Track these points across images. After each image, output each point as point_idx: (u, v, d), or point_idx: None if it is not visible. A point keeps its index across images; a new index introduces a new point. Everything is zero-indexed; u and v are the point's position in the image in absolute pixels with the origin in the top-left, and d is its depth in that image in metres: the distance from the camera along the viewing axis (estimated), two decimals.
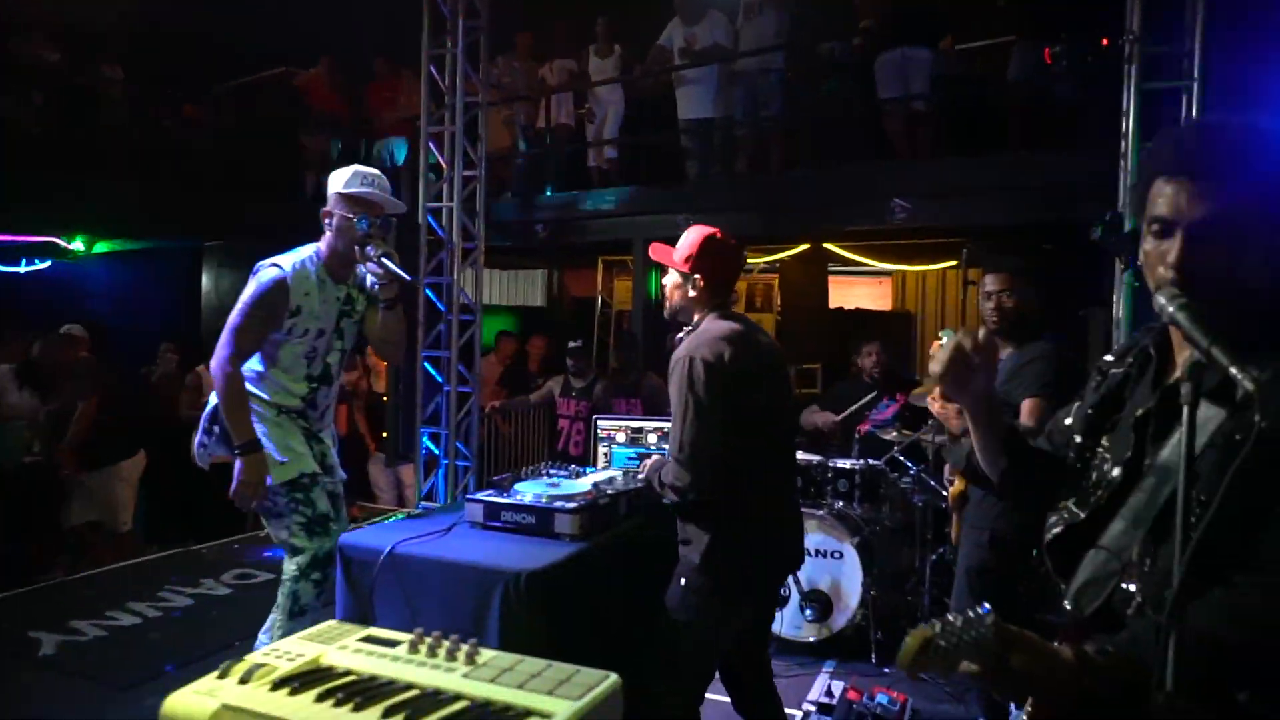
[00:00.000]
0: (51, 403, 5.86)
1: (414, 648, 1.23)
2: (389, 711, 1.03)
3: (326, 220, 2.97)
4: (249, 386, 2.94)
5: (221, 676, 1.15)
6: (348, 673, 1.14)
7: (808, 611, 4.50)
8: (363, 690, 1.09)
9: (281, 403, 2.99)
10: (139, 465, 6.01)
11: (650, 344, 6.65)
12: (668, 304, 2.79)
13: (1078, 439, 1.48)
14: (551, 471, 3.14)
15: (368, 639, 1.29)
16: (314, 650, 1.23)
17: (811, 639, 4.51)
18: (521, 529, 2.67)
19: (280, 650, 1.23)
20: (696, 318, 2.69)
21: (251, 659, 1.20)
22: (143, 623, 4.03)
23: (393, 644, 1.26)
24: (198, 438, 3.04)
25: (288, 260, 2.95)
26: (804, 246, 8.97)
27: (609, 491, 2.85)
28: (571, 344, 7.23)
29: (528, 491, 2.78)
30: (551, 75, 8.11)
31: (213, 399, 2.99)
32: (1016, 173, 5.75)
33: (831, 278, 10.38)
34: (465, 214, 6.05)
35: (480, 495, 2.78)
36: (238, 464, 2.83)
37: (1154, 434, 1.32)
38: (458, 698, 1.04)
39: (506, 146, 8.22)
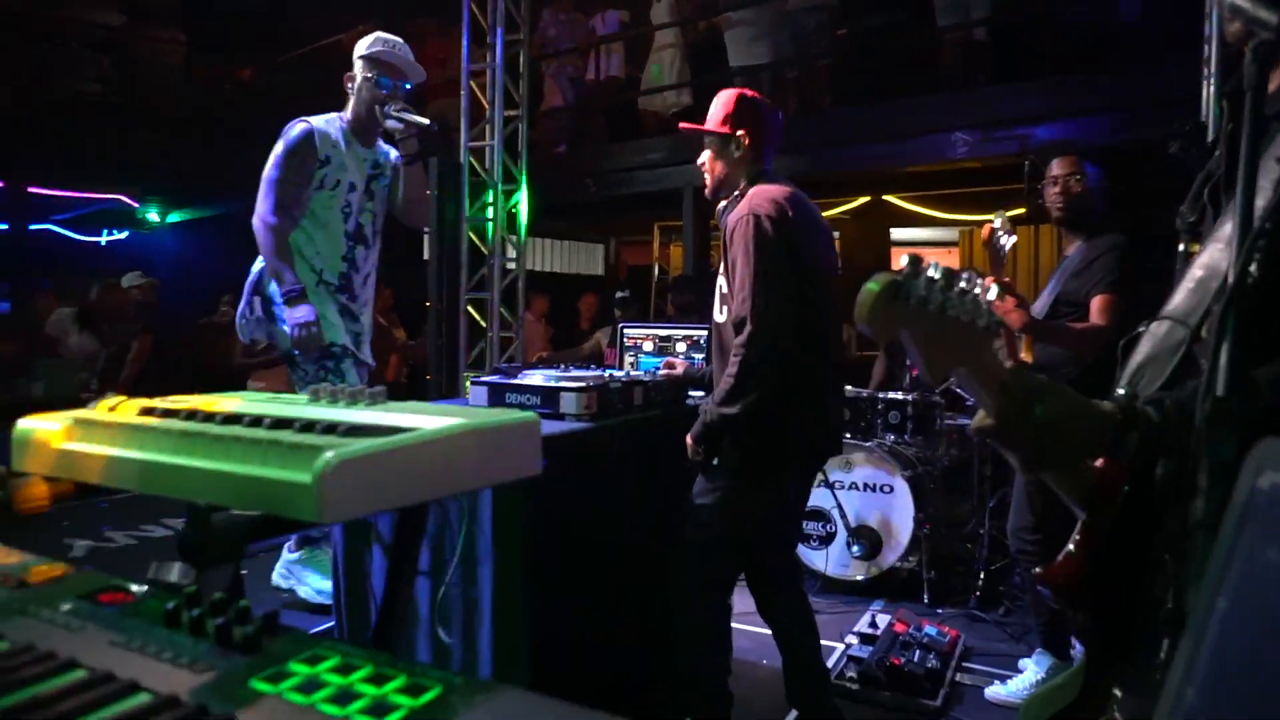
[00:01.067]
0: (109, 345, 5.98)
1: (315, 397, 1.08)
2: (249, 422, 0.88)
3: (349, 84, 3.07)
4: (294, 254, 2.97)
5: (89, 408, 1.02)
6: (237, 412, 0.99)
7: (855, 548, 4.26)
8: (232, 417, 0.94)
9: (324, 269, 3.00)
10: None
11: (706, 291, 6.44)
12: (709, 181, 2.59)
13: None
14: (569, 368, 2.99)
15: (273, 398, 1.15)
16: (207, 400, 1.09)
17: (859, 577, 4.27)
18: (527, 409, 2.52)
19: (173, 399, 1.10)
20: (742, 185, 2.48)
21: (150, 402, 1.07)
22: (173, 534, 4.03)
23: (294, 399, 1.11)
24: (240, 309, 3.06)
25: (314, 118, 3.04)
26: (863, 200, 8.63)
27: (622, 379, 2.68)
28: (619, 294, 7.09)
29: (535, 375, 2.63)
30: (603, 25, 7.95)
31: (256, 266, 3.01)
32: (1083, 95, 5.35)
33: (899, 249, 9.99)
34: (507, 154, 5.93)
35: (486, 378, 2.64)
36: (290, 313, 2.83)
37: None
38: (321, 420, 0.88)
39: (556, 103, 8.10)
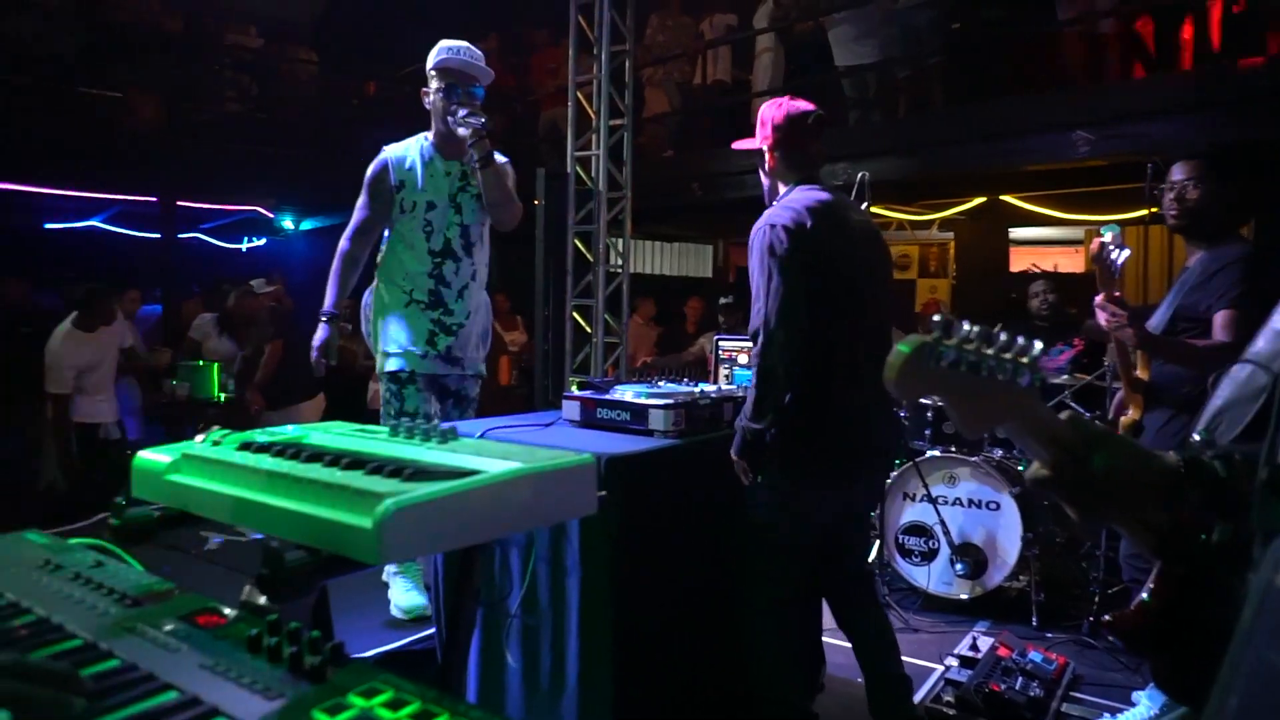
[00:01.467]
0: (245, 348, 6.42)
1: (394, 432, 1.17)
2: (328, 461, 0.97)
3: (425, 100, 3.10)
4: (386, 278, 3.14)
5: (198, 440, 1.13)
6: (322, 446, 1.09)
7: (958, 566, 4.14)
8: (316, 453, 1.03)
9: (413, 288, 3.09)
10: (318, 407, 6.46)
11: None
12: (766, 194, 2.64)
13: None
14: (662, 381, 3.04)
15: (360, 430, 1.24)
16: (302, 432, 1.19)
17: (963, 596, 4.15)
18: (617, 426, 2.59)
19: (272, 431, 1.21)
20: (781, 190, 2.51)
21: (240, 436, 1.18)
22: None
23: (377, 432, 1.20)
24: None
25: (396, 145, 3.16)
26: (979, 201, 8.32)
27: (712, 395, 2.71)
28: (723, 300, 7.10)
29: (626, 390, 2.69)
30: (711, 30, 7.97)
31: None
32: (1215, 89, 5.00)
33: (1019, 249, 9.58)
34: (612, 162, 6.04)
35: (578, 393, 2.72)
36: (316, 334, 3.11)
37: None
38: (390, 461, 0.95)
39: (663, 108, 8.17)
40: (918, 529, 4.26)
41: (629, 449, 2.33)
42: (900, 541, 4.32)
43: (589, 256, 6.09)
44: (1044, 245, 9.93)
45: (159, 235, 9.12)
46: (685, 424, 2.51)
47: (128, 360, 5.82)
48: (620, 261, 6.15)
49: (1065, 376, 4.49)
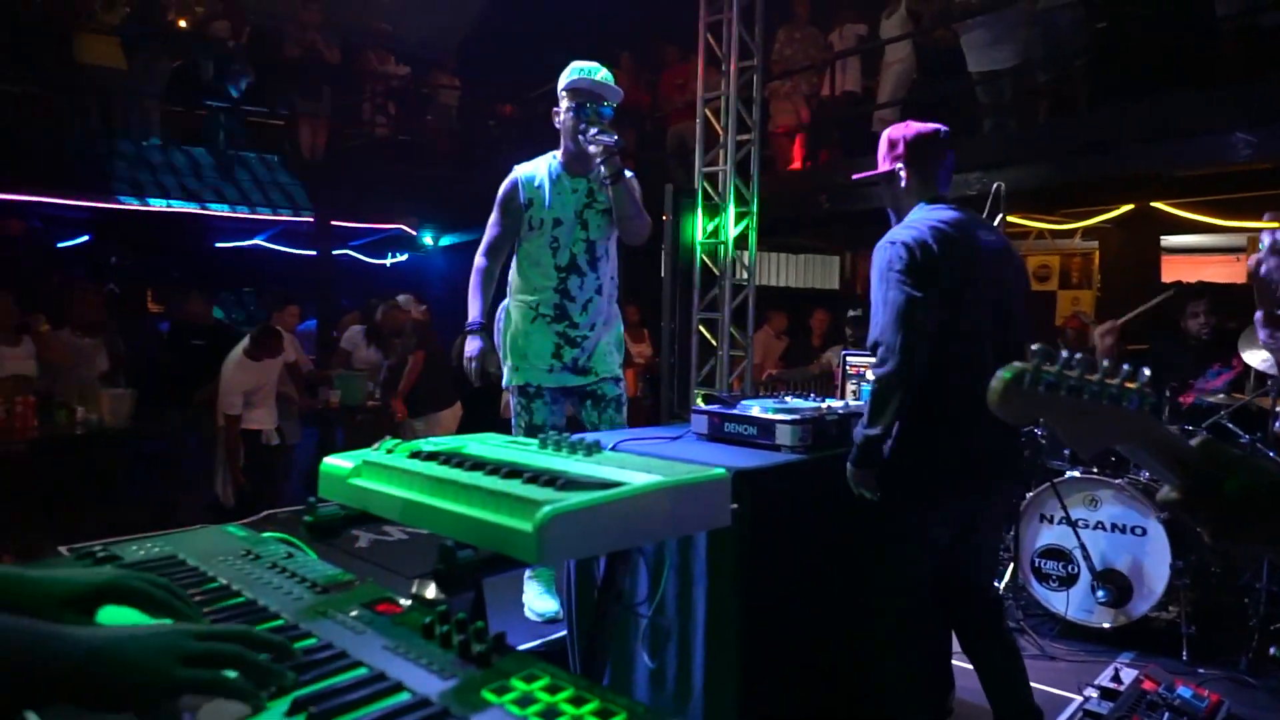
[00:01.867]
0: (390, 358, 6.83)
1: (543, 444, 1.27)
2: (489, 470, 1.08)
3: (555, 119, 3.18)
4: (514, 294, 3.28)
5: (374, 449, 1.27)
6: (482, 457, 1.21)
7: (1100, 593, 3.96)
8: (477, 462, 1.15)
9: (539, 302, 3.19)
10: (457, 415, 6.79)
11: None
12: (892, 216, 2.66)
13: None
14: (789, 396, 3.07)
15: (512, 441, 1.36)
16: (461, 443, 1.32)
17: (1105, 625, 3.96)
18: (744, 440, 2.65)
19: (435, 441, 1.34)
20: (908, 208, 2.53)
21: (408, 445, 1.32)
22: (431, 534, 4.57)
23: (528, 444, 1.32)
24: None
25: (526, 164, 3.25)
26: (1127, 208, 7.89)
27: (840, 411, 2.72)
28: (850, 313, 7.01)
29: (753, 406, 2.74)
30: (841, 40, 7.91)
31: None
32: None
33: (1172, 257, 9.00)
34: (739, 177, 6.10)
35: (706, 407, 2.79)
36: (466, 345, 3.23)
37: None
38: (545, 471, 1.06)
39: (791, 120, 8.16)
40: (1056, 553, 4.10)
41: (756, 463, 2.38)
42: (1037, 565, 4.16)
43: (715, 270, 6.17)
44: (1200, 254, 9.30)
45: (314, 252, 9.80)
46: (812, 439, 2.54)
47: (290, 374, 6.30)
48: (746, 275, 6.19)
49: (1221, 396, 4.22)
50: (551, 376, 3.20)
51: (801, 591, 2.49)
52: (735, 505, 1.69)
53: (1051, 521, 4.15)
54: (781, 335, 8.13)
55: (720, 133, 6.14)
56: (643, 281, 7.98)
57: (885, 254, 2.37)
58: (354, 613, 1.02)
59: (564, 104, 3.14)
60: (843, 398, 3.37)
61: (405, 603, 1.05)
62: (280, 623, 1.00)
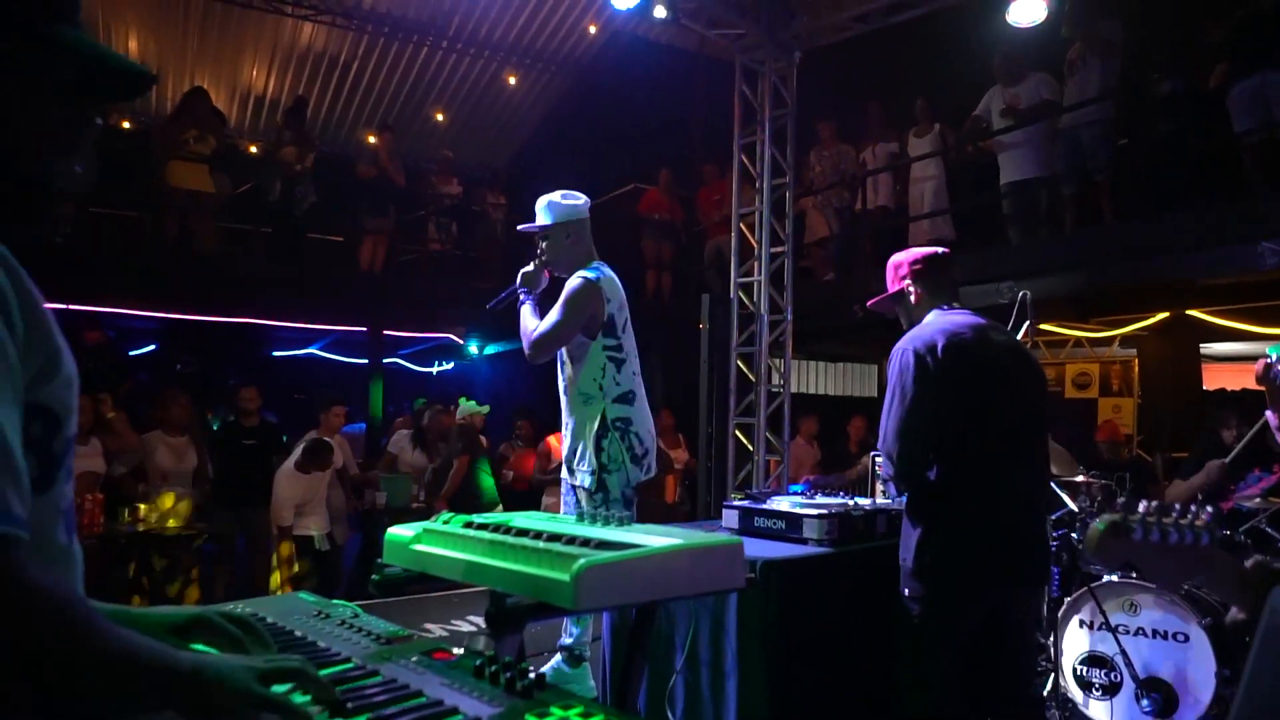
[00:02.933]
0: (435, 461, 7.04)
1: (580, 518, 1.43)
2: (533, 535, 1.24)
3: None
4: None
5: (431, 519, 1.44)
6: (526, 526, 1.37)
7: (1145, 703, 3.87)
8: (523, 530, 1.31)
9: None
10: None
11: None
12: (906, 326, 2.81)
13: None
14: (818, 494, 3.18)
15: (553, 517, 1.52)
16: (508, 517, 1.49)
17: None
18: (774, 534, 2.76)
19: (484, 515, 1.51)
20: (921, 317, 2.68)
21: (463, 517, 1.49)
22: (476, 630, 4.64)
23: (567, 518, 1.48)
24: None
25: None
26: (1163, 315, 7.96)
27: (866, 508, 2.83)
28: None
29: (782, 501, 2.86)
30: (874, 158, 8.29)
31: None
32: None
33: (1214, 365, 8.99)
34: (773, 288, 6.35)
35: (736, 502, 2.91)
36: None
37: None
38: (579, 536, 1.22)
39: (824, 233, 8.48)
40: (1097, 660, 4.04)
41: (784, 555, 2.49)
42: (1079, 673, 4.10)
43: (751, 377, 6.34)
44: (1242, 361, 9.26)
45: (366, 360, 10.22)
46: (838, 533, 2.65)
47: (339, 478, 6.51)
48: (781, 381, 6.35)
49: (1258, 501, 4.22)
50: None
51: (830, 681, 2.55)
52: (753, 575, 1.80)
53: (1091, 627, 4.10)
54: (814, 442, 8.20)
55: (755, 245, 6.43)
56: (681, 387, 8.17)
57: (896, 362, 2.51)
58: (414, 659, 1.17)
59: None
60: (873, 496, 3.47)
61: (458, 651, 1.20)
62: (350, 665, 1.15)
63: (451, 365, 13.53)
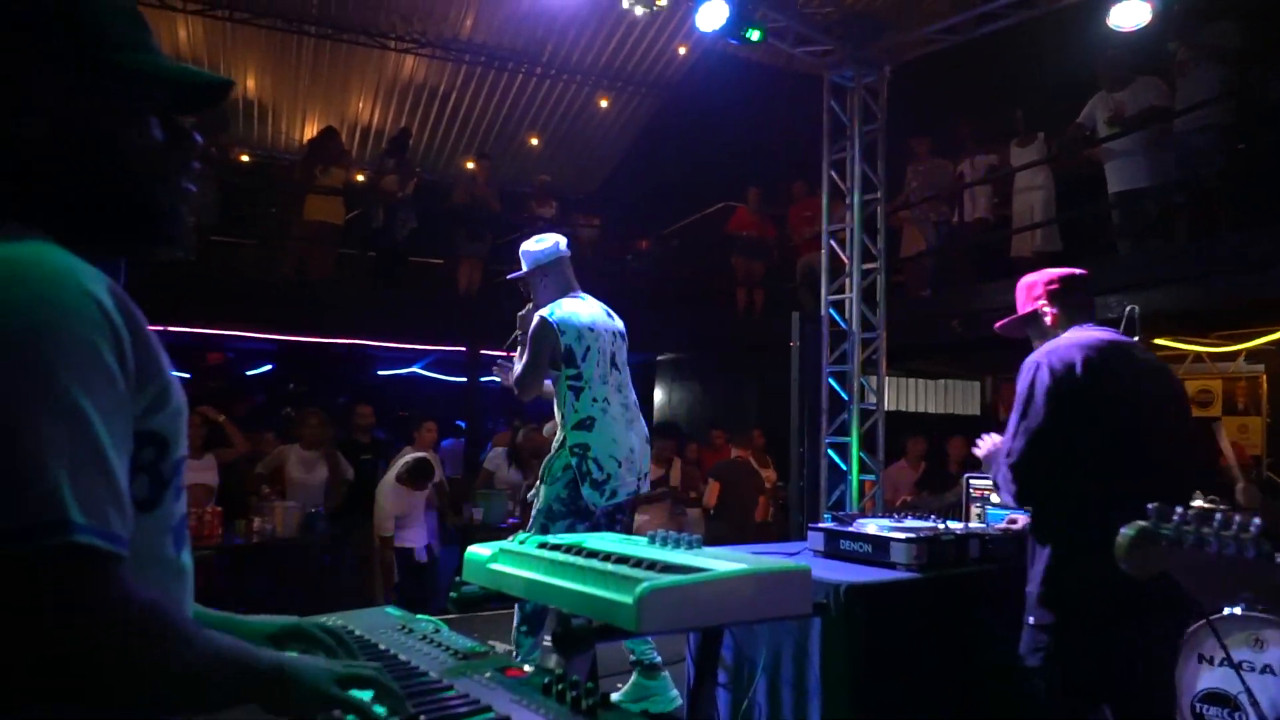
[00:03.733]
0: (529, 479, 7.18)
1: (652, 540, 1.46)
2: (602, 557, 1.27)
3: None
4: None
5: (509, 540, 1.49)
6: (596, 548, 1.41)
7: None
8: (592, 551, 1.35)
9: None
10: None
11: None
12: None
13: None
14: (909, 517, 3.11)
15: (625, 539, 1.55)
16: (581, 538, 1.52)
17: None
18: (859, 557, 2.71)
19: (560, 536, 1.55)
20: (1055, 334, 2.57)
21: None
22: (549, 647, 4.70)
23: (638, 540, 1.50)
24: None
25: None
26: None
27: (957, 531, 2.75)
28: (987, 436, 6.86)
29: (869, 524, 2.81)
30: (972, 170, 8.07)
31: None
32: None
33: None
34: (866, 305, 6.24)
35: (822, 525, 2.88)
36: None
37: None
38: (646, 559, 1.24)
39: (919, 248, 8.30)
40: (1219, 698, 3.79)
41: (869, 579, 2.45)
42: (1198, 711, 3.85)
43: (844, 395, 6.25)
44: None
45: (464, 379, 10.52)
46: (927, 558, 2.58)
47: (436, 493, 6.73)
48: (875, 400, 6.23)
49: None
50: None
51: (918, 710, 2.48)
52: (850, 621, 1.79)
53: (1211, 663, 3.85)
54: (919, 462, 7.98)
55: (846, 262, 6.34)
56: (773, 407, 8.10)
57: (1028, 375, 2.40)
58: (487, 674, 1.22)
59: None
60: (967, 520, 3.36)
61: (529, 669, 1.24)
62: (427, 678, 1.21)
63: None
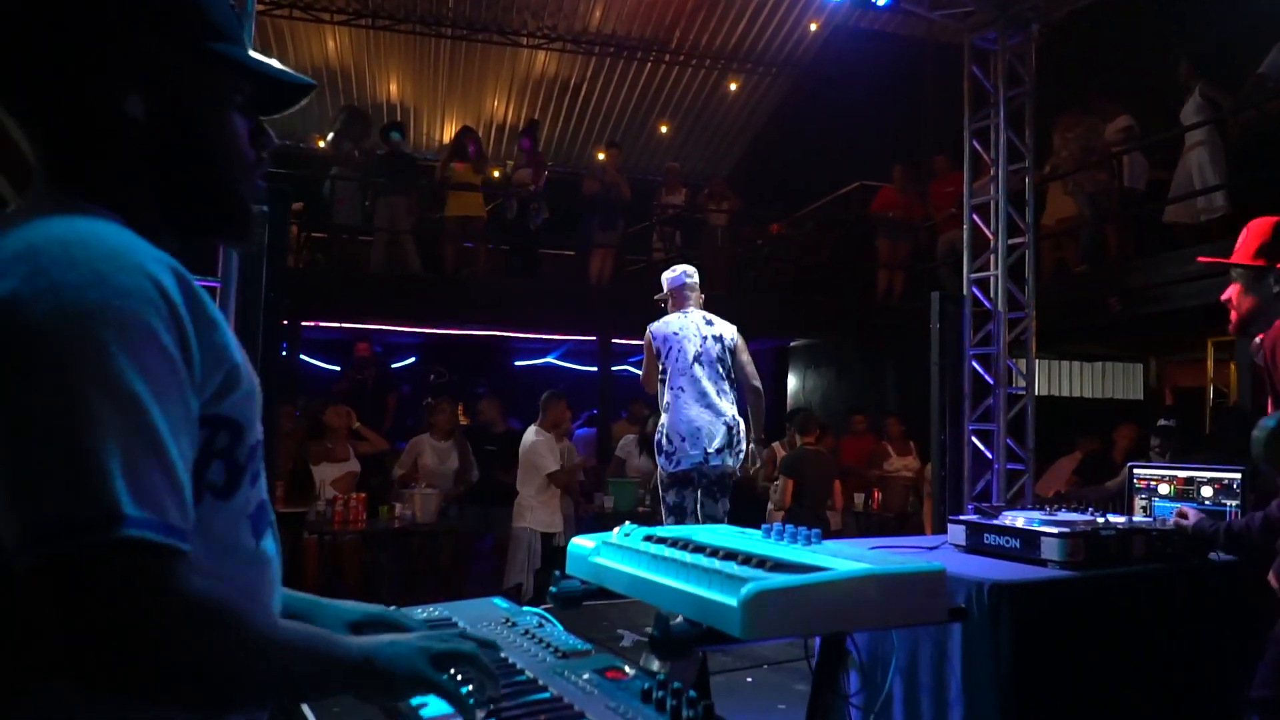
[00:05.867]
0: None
1: (766, 534, 1.34)
2: (709, 552, 1.17)
3: (663, 304, 4.70)
4: None
5: (615, 532, 1.42)
6: (705, 542, 1.31)
7: None
8: (699, 545, 1.25)
9: None
10: None
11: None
12: (1235, 316, 2.37)
13: None
14: (1063, 509, 2.85)
15: (740, 531, 1.44)
16: (691, 531, 1.43)
17: None
18: (1005, 553, 2.49)
19: (668, 529, 1.46)
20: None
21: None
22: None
23: (752, 534, 1.39)
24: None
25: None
26: None
27: (1119, 526, 2.48)
28: (1162, 422, 6.27)
29: (1018, 516, 2.58)
30: (1114, 136, 7.40)
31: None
32: None
33: None
34: (1012, 282, 5.83)
35: (964, 517, 2.67)
36: None
37: None
38: (758, 555, 1.14)
39: (1069, 217, 7.70)
40: None
41: (1016, 577, 2.24)
42: None
43: (989, 379, 5.87)
44: None
45: (596, 368, 10.62)
46: (1084, 555, 2.33)
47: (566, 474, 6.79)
48: (1024, 384, 5.82)
49: None
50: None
51: None
52: (995, 625, 1.62)
53: None
54: (1085, 454, 7.40)
55: (990, 237, 5.94)
56: (912, 393, 7.74)
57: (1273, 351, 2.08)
58: (586, 676, 1.15)
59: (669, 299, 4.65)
60: (1130, 513, 3.05)
61: (631, 671, 1.16)
62: (524, 678, 1.15)
63: None
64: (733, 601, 1.00)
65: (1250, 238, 2.31)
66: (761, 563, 1.08)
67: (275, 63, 0.97)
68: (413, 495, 5.87)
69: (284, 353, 9.24)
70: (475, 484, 6.53)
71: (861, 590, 1.04)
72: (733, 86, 12.99)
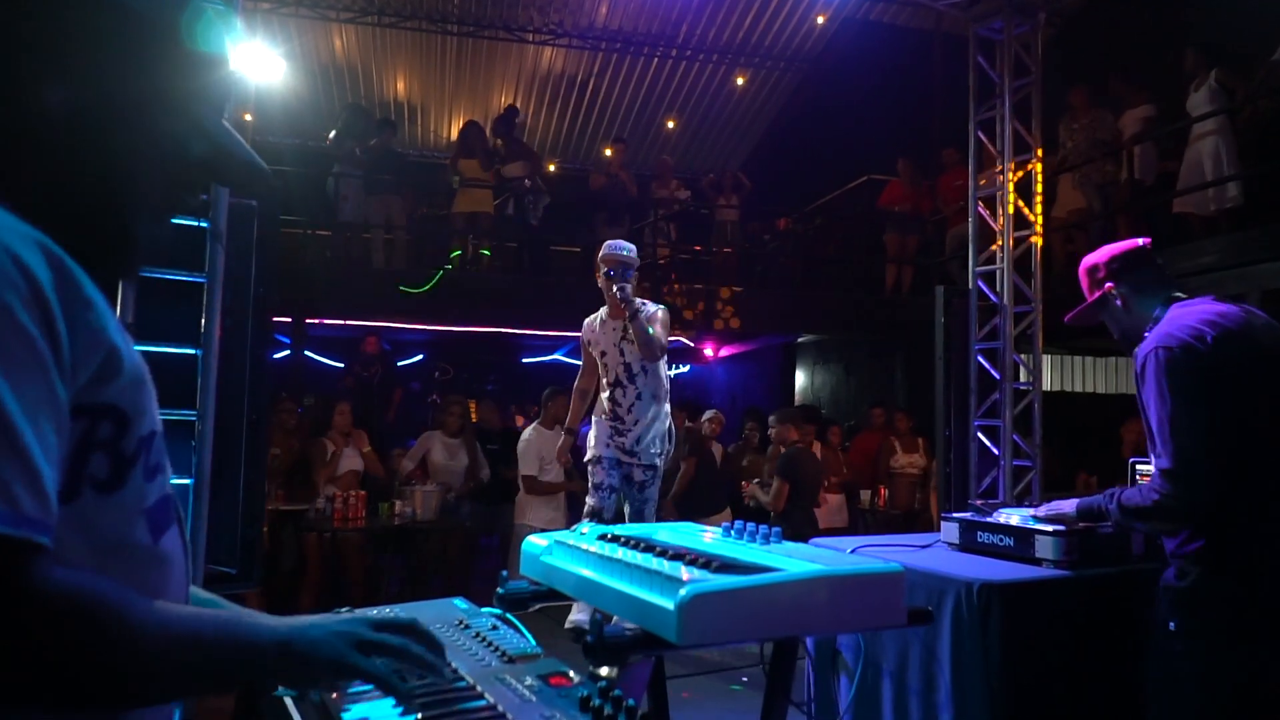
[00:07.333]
0: (668, 464, 7.09)
1: (726, 532, 1.29)
2: (657, 552, 1.12)
3: (598, 280, 4.43)
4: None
5: (571, 530, 1.36)
6: (659, 541, 1.26)
7: None
8: (651, 547, 1.19)
9: (603, 409, 4.46)
10: (725, 519, 6.85)
11: None
12: (1128, 335, 2.32)
13: None
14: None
15: (702, 529, 1.38)
16: (653, 529, 1.37)
17: None
18: (999, 552, 2.43)
19: (629, 527, 1.41)
20: (1152, 316, 2.18)
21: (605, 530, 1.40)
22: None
23: (713, 531, 1.33)
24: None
25: (591, 315, 4.60)
26: None
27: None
28: None
29: (1012, 514, 2.52)
30: (1133, 125, 7.28)
31: None
32: None
33: None
34: (1019, 275, 5.74)
35: (957, 514, 2.61)
36: None
37: None
38: (705, 555, 1.08)
39: (1080, 213, 7.58)
40: None
41: (1009, 577, 2.17)
42: None
43: (995, 374, 5.78)
44: None
45: None
46: (1079, 554, 2.27)
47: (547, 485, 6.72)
48: (1030, 379, 5.73)
49: None
50: (609, 451, 4.42)
51: None
52: (985, 626, 1.56)
53: None
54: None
55: (996, 230, 5.85)
56: (921, 389, 7.64)
57: (1155, 363, 2.03)
58: (529, 681, 1.10)
59: (600, 269, 4.39)
60: None
61: (577, 678, 1.10)
62: (464, 684, 1.10)
63: (687, 368, 13.70)
64: (669, 605, 0.94)
65: (1083, 280, 2.42)
66: (708, 563, 1.03)
67: (241, 142, 0.91)
68: (414, 492, 5.84)
69: (288, 350, 9.26)
70: (486, 482, 6.52)
71: (811, 592, 0.99)
72: (739, 81, 12.90)
